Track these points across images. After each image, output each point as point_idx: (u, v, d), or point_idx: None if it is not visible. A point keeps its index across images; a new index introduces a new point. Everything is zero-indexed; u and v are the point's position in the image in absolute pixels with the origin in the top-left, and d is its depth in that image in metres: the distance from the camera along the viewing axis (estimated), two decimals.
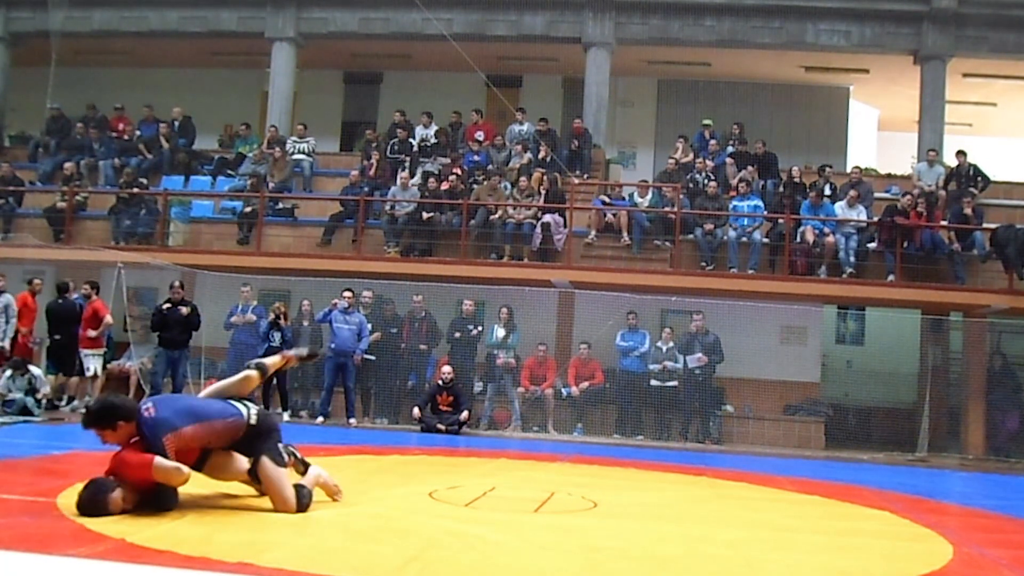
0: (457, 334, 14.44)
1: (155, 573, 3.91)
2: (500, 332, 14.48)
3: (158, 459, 4.98)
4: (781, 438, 14.48)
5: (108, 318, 13.35)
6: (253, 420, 5.48)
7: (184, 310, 13.21)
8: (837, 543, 5.62)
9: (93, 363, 13.19)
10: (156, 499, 5.14)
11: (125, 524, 4.74)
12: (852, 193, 14.96)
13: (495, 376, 14.49)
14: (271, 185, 16.47)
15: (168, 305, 13.29)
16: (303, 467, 5.81)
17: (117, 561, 4.04)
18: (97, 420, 5.14)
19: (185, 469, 5.10)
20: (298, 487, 5.48)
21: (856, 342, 18.22)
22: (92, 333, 13.17)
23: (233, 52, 19.64)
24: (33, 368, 12.30)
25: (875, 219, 14.91)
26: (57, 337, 13.43)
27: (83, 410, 12.49)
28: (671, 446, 13.26)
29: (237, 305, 14.69)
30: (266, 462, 5.38)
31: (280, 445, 5.57)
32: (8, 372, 11.97)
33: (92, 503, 4.93)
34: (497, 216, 15.21)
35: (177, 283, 13.53)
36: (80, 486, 5.08)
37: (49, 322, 13.59)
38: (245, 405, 5.55)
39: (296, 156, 17.24)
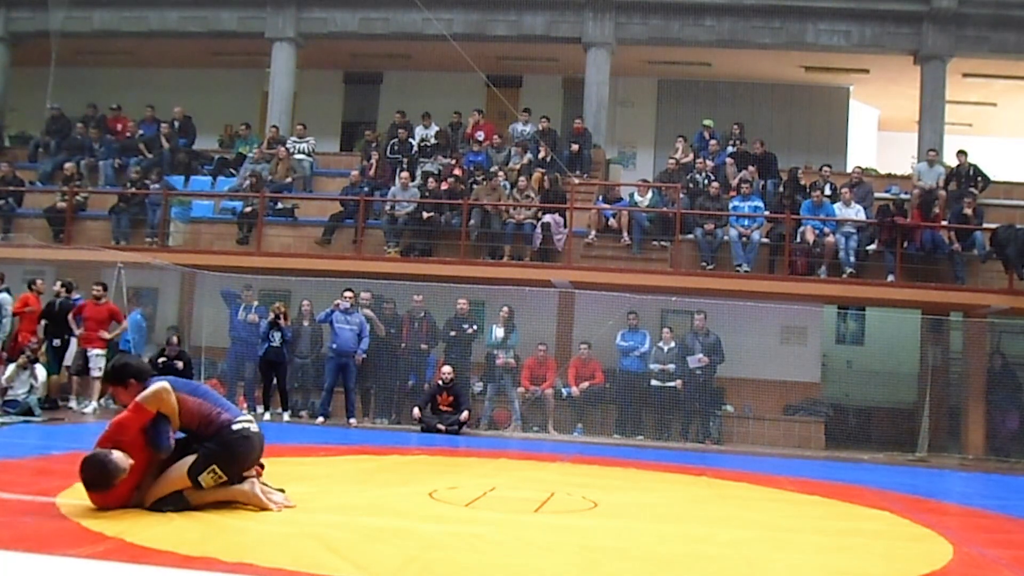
0: (453, 333, 14.43)
1: (155, 573, 3.91)
2: (500, 332, 14.48)
3: (141, 394, 5.23)
4: (781, 438, 14.48)
5: (125, 323, 13.53)
6: (237, 425, 5.40)
7: (179, 364, 13.28)
8: (837, 543, 5.62)
9: (99, 363, 13.18)
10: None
11: (125, 524, 4.74)
12: (845, 192, 14.95)
13: (495, 376, 14.49)
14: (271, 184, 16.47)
15: (163, 360, 13.31)
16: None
17: (117, 561, 4.04)
18: (111, 378, 5.59)
19: (167, 388, 5.25)
20: (173, 494, 5.21)
21: (856, 342, 18.21)
22: (105, 335, 13.18)
23: (233, 52, 19.65)
24: (38, 366, 12.33)
25: (875, 219, 14.91)
26: (66, 337, 13.42)
27: (84, 411, 12.63)
28: (671, 446, 13.26)
29: (239, 305, 14.67)
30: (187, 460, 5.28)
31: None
32: (12, 366, 12.00)
33: (98, 467, 4.96)
34: (501, 210, 15.19)
35: (175, 338, 13.68)
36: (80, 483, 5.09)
37: (50, 321, 13.57)
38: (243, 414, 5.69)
39: (296, 156, 17.24)
